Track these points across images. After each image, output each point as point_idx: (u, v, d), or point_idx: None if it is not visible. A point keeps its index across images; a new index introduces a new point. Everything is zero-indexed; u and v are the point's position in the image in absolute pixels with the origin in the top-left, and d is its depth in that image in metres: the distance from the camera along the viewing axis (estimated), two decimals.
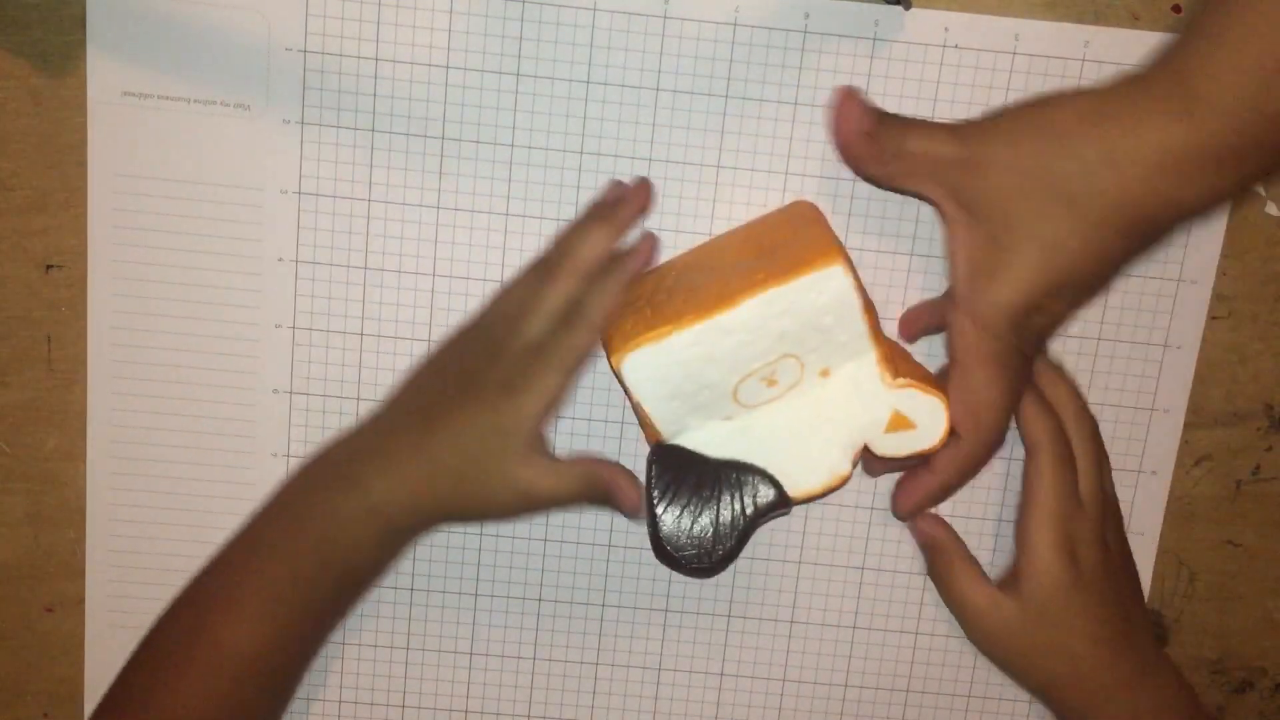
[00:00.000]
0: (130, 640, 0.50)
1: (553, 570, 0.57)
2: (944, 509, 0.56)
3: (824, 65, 0.52)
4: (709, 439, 0.49)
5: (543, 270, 0.50)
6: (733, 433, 0.49)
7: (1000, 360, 0.47)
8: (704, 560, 0.48)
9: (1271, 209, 0.54)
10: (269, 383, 0.55)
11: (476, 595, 0.57)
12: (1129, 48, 0.52)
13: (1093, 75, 0.52)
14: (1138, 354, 0.55)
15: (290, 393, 0.55)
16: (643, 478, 0.50)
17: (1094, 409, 0.55)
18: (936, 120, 0.48)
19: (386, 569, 0.52)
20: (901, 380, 0.48)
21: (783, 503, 0.49)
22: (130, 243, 0.53)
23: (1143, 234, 0.44)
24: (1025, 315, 0.45)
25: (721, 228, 0.53)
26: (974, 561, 0.54)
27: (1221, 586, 0.58)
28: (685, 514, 0.48)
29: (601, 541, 0.57)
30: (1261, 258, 0.54)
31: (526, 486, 0.48)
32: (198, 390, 0.55)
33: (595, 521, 0.56)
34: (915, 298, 0.54)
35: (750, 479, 0.49)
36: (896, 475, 0.54)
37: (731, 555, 0.49)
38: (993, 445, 0.49)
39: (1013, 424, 0.51)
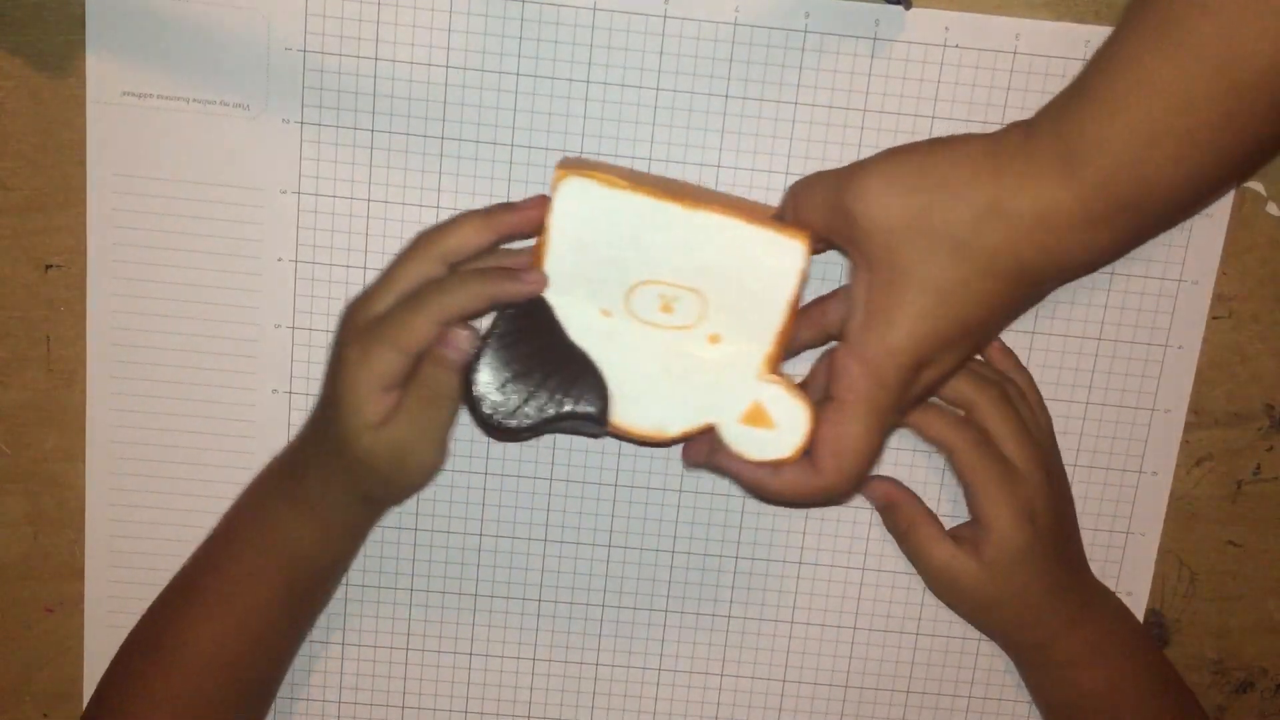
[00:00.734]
0: None
1: (553, 570, 0.57)
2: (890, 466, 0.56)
3: (824, 65, 0.52)
4: (577, 318, 0.47)
5: (405, 250, 0.49)
6: (601, 330, 0.47)
7: (880, 411, 0.45)
8: (493, 420, 0.47)
9: (1272, 209, 0.54)
10: (268, 383, 0.55)
11: (476, 595, 0.57)
12: None
13: None
14: (1138, 354, 0.55)
15: (289, 393, 0.55)
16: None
17: (1095, 409, 0.55)
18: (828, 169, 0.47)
19: (345, 560, 0.54)
20: (776, 377, 0.47)
21: (599, 421, 0.47)
22: (129, 243, 0.53)
23: (1030, 284, 0.44)
24: (915, 369, 0.45)
25: None
26: (933, 519, 0.54)
27: (1222, 587, 0.58)
28: (509, 369, 0.47)
29: (602, 541, 0.56)
30: (1262, 258, 0.54)
31: (396, 449, 0.47)
32: (197, 390, 0.54)
33: (595, 522, 0.56)
34: None
35: (585, 380, 0.47)
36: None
37: (518, 433, 0.47)
38: (847, 492, 0.48)
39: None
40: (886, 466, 0.55)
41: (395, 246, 0.53)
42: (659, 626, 0.58)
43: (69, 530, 0.56)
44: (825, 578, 0.57)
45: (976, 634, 0.57)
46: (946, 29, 0.52)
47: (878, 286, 0.44)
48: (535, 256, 0.47)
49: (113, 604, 0.56)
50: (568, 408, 0.47)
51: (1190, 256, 0.54)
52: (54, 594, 0.57)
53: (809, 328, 0.50)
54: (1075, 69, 0.52)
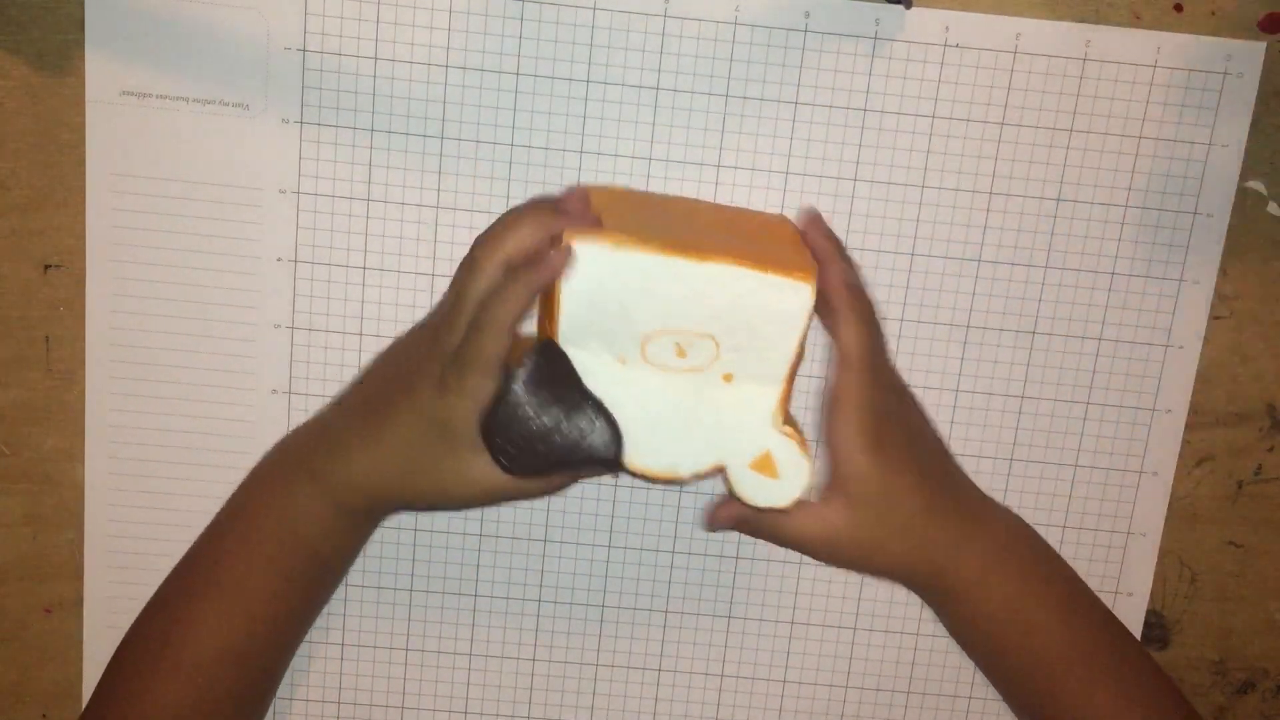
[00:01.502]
0: None
1: (553, 570, 0.57)
2: None
3: (824, 65, 0.52)
4: (594, 368, 0.48)
5: (470, 264, 0.49)
6: (617, 377, 0.48)
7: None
8: (508, 457, 0.47)
9: (1273, 209, 0.54)
10: (267, 383, 0.54)
11: (476, 595, 0.57)
12: (1130, 47, 0.52)
13: (1094, 74, 0.52)
14: (1139, 354, 0.55)
15: (289, 393, 0.55)
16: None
17: (1095, 409, 0.55)
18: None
19: (349, 555, 0.53)
20: (789, 428, 0.48)
21: (613, 464, 0.48)
22: (129, 242, 0.53)
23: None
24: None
25: None
26: None
27: (1223, 587, 0.58)
28: (527, 410, 0.47)
29: (601, 542, 0.56)
30: (1263, 258, 0.54)
31: (479, 478, 0.48)
32: (196, 390, 0.54)
33: (595, 522, 0.56)
34: (915, 297, 0.54)
35: (601, 425, 0.48)
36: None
37: (533, 472, 0.48)
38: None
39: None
40: None
41: (395, 246, 0.53)
42: (659, 627, 0.57)
43: (68, 531, 0.56)
44: (825, 578, 0.57)
45: None
46: (946, 29, 0.51)
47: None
48: (542, 324, 0.48)
49: (112, 604, 0.56)
50: (581, 453, 0.48)
51: (1191, 256, 0.54)
52: (53, 594, 0.56)
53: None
54: (1075, 69, 0.52)
